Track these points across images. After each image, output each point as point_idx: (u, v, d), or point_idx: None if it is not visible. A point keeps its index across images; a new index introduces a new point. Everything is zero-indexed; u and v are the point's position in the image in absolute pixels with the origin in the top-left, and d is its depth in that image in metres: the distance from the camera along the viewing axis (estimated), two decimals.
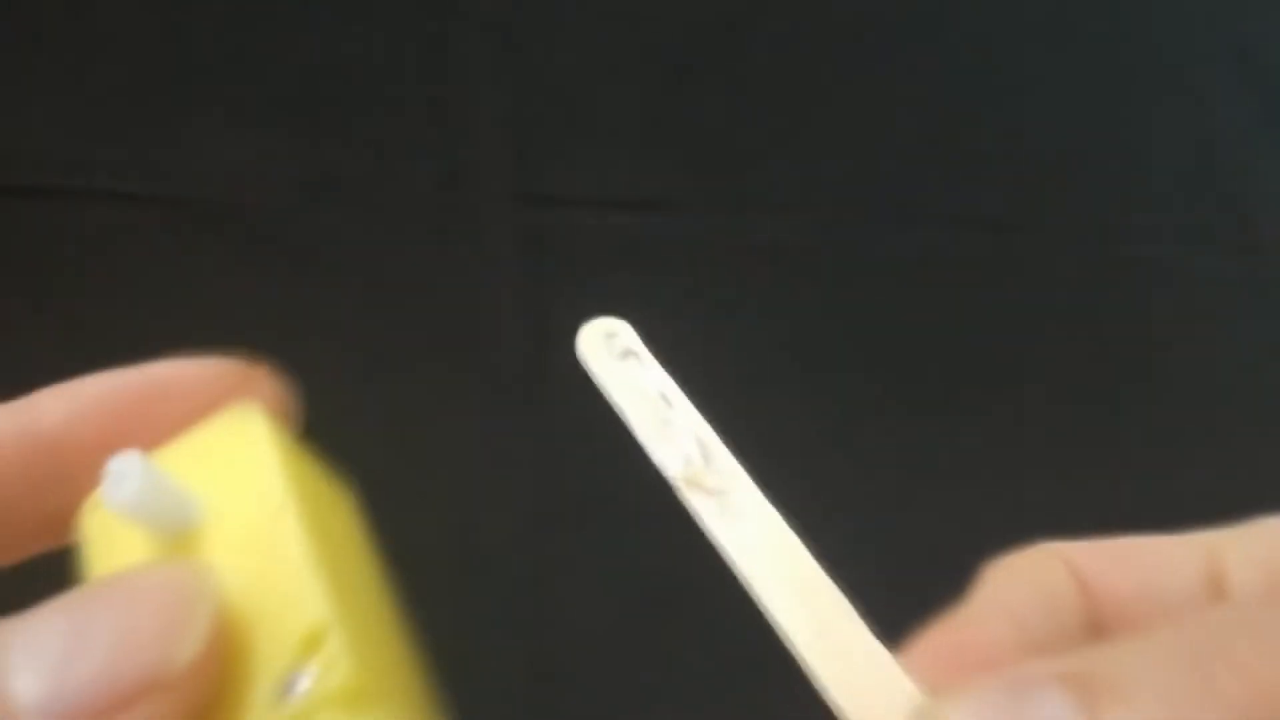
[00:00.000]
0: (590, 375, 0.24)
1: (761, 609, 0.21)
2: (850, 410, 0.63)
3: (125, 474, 0.16)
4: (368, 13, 0.69)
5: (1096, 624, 0.22)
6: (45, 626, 0.15)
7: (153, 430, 0.19)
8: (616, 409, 0.24)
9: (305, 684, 0.15)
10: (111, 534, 0.17)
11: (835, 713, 0.20)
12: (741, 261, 0.67)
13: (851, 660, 0.20)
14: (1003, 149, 0.73)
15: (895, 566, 0.46)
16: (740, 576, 0.21)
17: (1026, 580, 0.22)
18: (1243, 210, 0.74)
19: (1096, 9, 0.79)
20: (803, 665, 0.20)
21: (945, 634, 0.21)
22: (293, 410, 0.20)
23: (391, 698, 0.16)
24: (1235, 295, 0.71)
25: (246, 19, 0.68)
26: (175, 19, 0.67)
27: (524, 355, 0.62)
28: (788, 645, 0.20)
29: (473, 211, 0.65)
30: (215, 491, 0.17)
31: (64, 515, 0.18)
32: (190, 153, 0.64)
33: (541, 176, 0.67)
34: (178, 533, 0.17)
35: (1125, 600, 0.22)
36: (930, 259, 0.69)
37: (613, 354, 0.25)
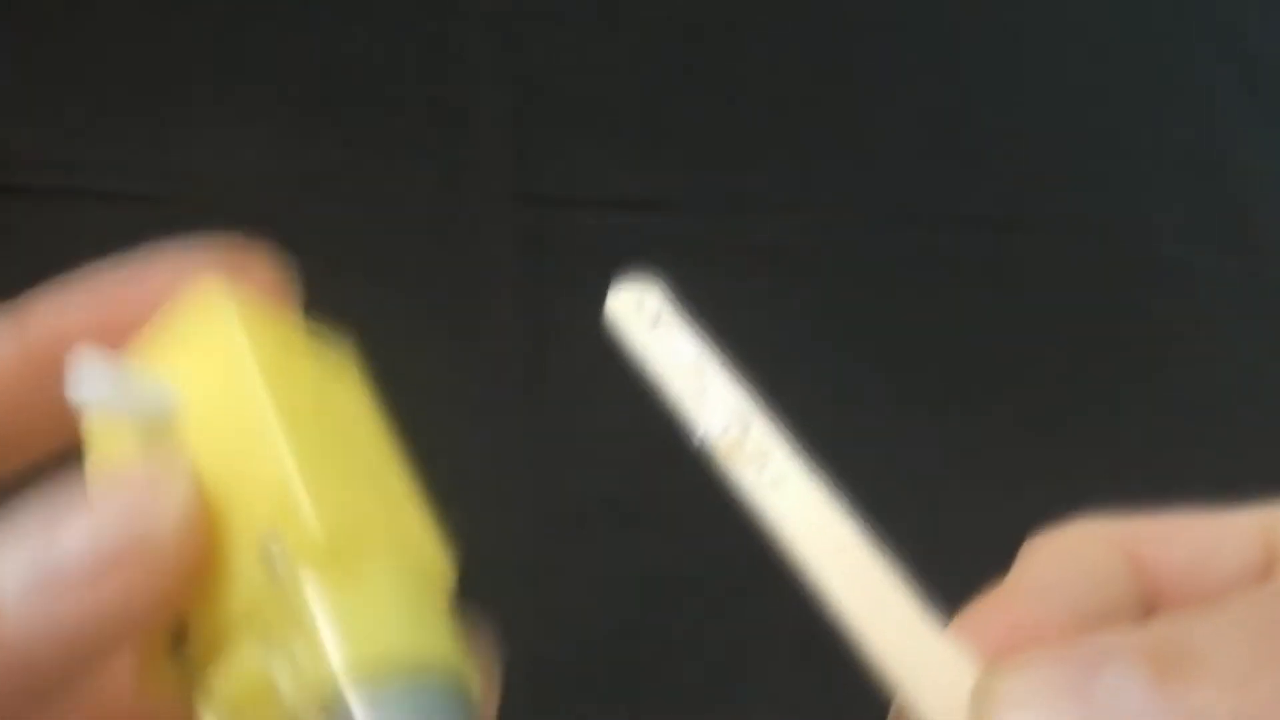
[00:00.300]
0: (621, 343, 0.23)
1: (806, 579, 0.20)
2: (850, 410, 0.63)
3: (84, 374, 0.17)
4: (368, 13, 0.69)
5: (1148, 601, 0.21)
6: (23, 515, 0.15)
7: (146, 320, 0.19)
8: (651, 377, 0.23)
9: (285, 552, 0.15)
10: (105, 426, 0.18)
11: (890, 684, 0.19)
12: (741, 261, 0.67)
13: (903, 631, 0.19)
14: (1003, 149, 0.73)
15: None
16: (783, 546, 0.20)
17: (1074, 556, 0.21)
18: (1243, 210, 0.74)
19: (1097, 9, 0.79)
20: (851, 636, 0.19)
21: (993, 610, 0.20)
22: (289, 287, 0.20)
23: (374, 553, 0.16)
24: (1235, 295, 0.71)
25: (246, 19, 0.68)
26: (174, 18, 0.67)
27: (524, 355, 0.62)
28: (835, 615, 0.20)
29: (473, 211, 0.65)
30: (190, 375, 0.18)
31: (64, 413, 0.18)
32: (189, 152, 0.63)
33: (541, 176, 0.67)
34: (158, 419, 0.17)
35: (1178, 576, 0.21)
36: (930, 259, 0.69)
37: (645, 321, 0.24)
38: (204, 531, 0.16)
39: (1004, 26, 0.77)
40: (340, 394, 0.19)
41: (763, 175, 0.70)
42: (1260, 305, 0.71)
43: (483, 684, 0.17)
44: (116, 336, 0.19)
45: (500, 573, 0.57)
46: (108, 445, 0.18)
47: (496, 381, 0.60)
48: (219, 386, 0.17)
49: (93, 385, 0.17)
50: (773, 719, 0.58)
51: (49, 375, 0.19)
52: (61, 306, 0.19)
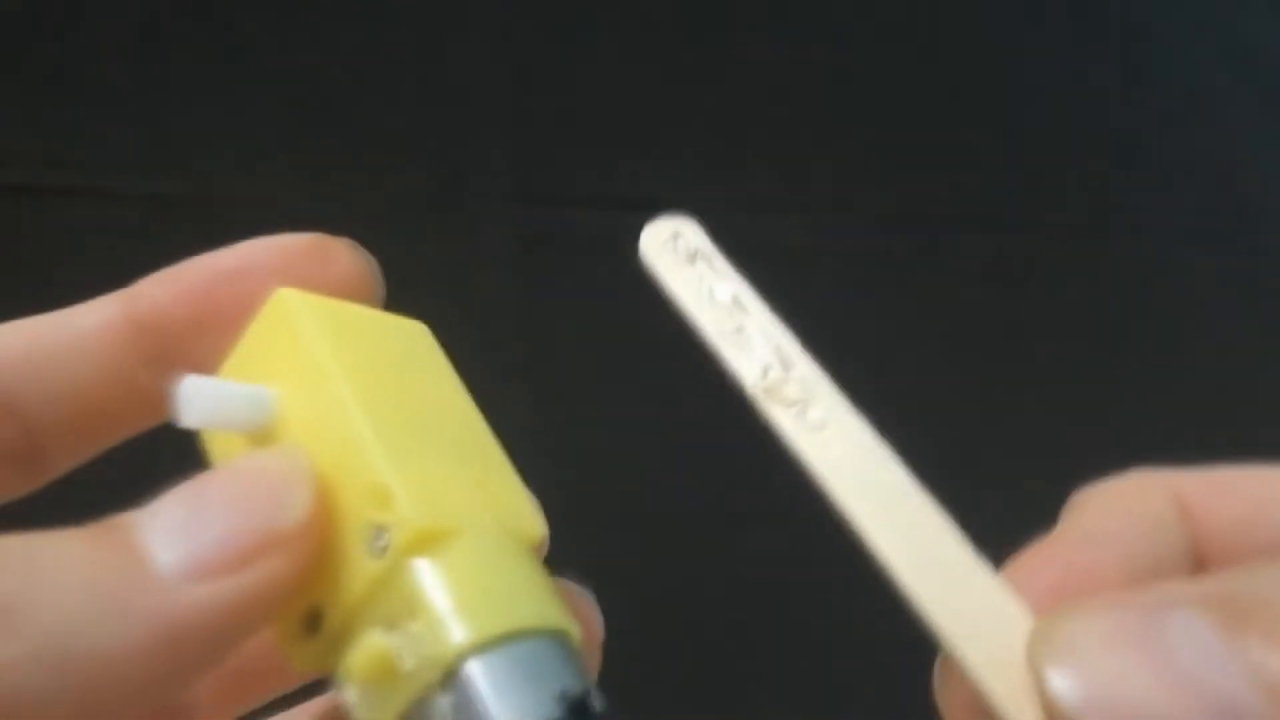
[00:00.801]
0: (655, 280, 0.22)
1: (850, 526, 0.19)
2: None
3: (190, 398, 0.18)
4: (368, 13, 0.69)
5: (1196, 554, 0.21)
6: (169, 509, 0.17)
7: (246, 303, 0.20)
8: (685, 316, 0.22)
9: (384, 538, 0.17)
10: (213, 437, 0.20)
11: (935, 633, 0.18)
12: (741, 262, 0.67)
13: (952, 579, 0.18)
14: (1003, 149, 0.73)
15: None
16: (826, 491, 0.19)
17: (1126, 506, 0.21)
18: (1243, 210, 0.74)
19: (1097, 9, 0.79)
20: (897, 584, 0.19)
21: (1044, 557, 0.20)
22: (370, 277, 0.22)
23: (469, 525, 0.18)
24: (1235, 295, 0.71)
25: (246, 19, 0.67)
26: (174, 18, 0.67)
27: (524, 355, 0.62)
28: (880, 563, 0.19)
29: (473, 211, 0.65)
30: (281, 380, 0.19)
31: (162, 396, 0.20)
32: (187, 151, 0.63)
33: (541, 176, 0.67)
34: (260, 424, 0.19)
35: (1228, 530, 0.21)
36: (931, 259, 0.69)
37: (679, 256, 0.22)
38: (323, 523, 0.18)
39: (1005, 26, 0.77)
40: (420, 373, 0.21)
41: (763, 175, 0.70)
42: (1262, 305, 0.71)
43: (585, 636, 0.19)
44: (212, 317, 0.21)
45: None
46: (224, 449, 0.20)
47: (496, 381, 0.60)
48: (305, 387, 0.19)
49: (196, 409, 0.18)
50: (783, 717, 0.58)
51: (153, 348, 0.21)
52: (165, 287, 0.21)
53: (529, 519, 0.20)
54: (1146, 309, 0.70)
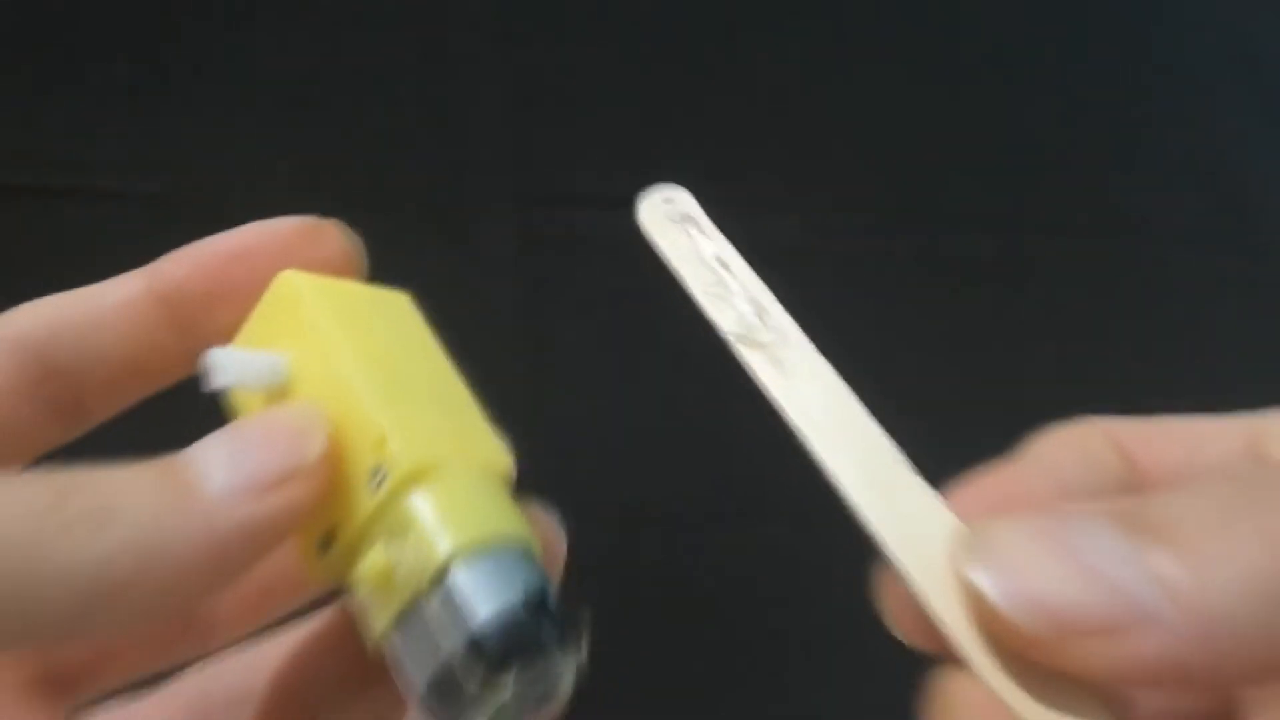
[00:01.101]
0: (649, 242, 0.25)
1: (812, 457, 0.22)
2: None
3: (217, 366, 0.23)
4: (367, 13, 0.69)
5: (1136, 491, 0.22)
6: (216, 445, 0.21)
7: (252, 277, 0.24)
8: (673, 272, 0.25)
9: (386, 475, 0.22)
10: (238, 396, 0.24)
11: (879, 548, 0.21)
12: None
13: (896, 499, 0.21)
14: (1003, 149, 0.73)
15: None
16: (792, 427, 0.22)
17: (1069, 445, 0.23)
18: (1243, 210, 0.74)
19: (1097, 9, 0.79)
20: (850, 506, 0.21)
21: (987, 481, 0.22)
22: (356, 253, 0.27)
23: (453, 461, 0.22)
24: (1235, 295, 0.71)
25: (246, 18, 0.67)
26: (174, 18, 0.67)
27: (524, 356, 0.62)
28: (836, 488, 0.22)
29: (473, 211, 0.65)
30: (290, 347, 0.23)
31: (182, 357, 0.25)
32: (187, 151, 0.64)
33: (541, 176, 0.67)
34: (276, 385, 0.23)
35: (1168, 473, 0.23)
36: (931, 259, 0.69)
37: (671, 219, 0.26)
38: (334, 462, 0.22)
39: (1005, 26, 0.77)
40: (405, 336, 0.25)
41: (763, 175, 0.70)
42: (1260, 305, 0.71)
43: (547, 548, 0.24)
44: (225, 291, 0.25)
45: None
46: (245, 406, 0.24)
47: (496, 380, 0.60)
48: (312, 355, 0.23)
49: (224, 373, 0.23)
50: (781, 717, 0.58)
51: (174, 317, 0.25)
52: (183, 265, 0.25)
53: (499, 455, 0.24)
54: (1146, 309, 0.70)
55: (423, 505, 0.22)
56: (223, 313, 0.25)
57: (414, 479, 0.22)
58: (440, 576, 0.21)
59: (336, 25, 0.69)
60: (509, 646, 0.21)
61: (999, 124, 0.74)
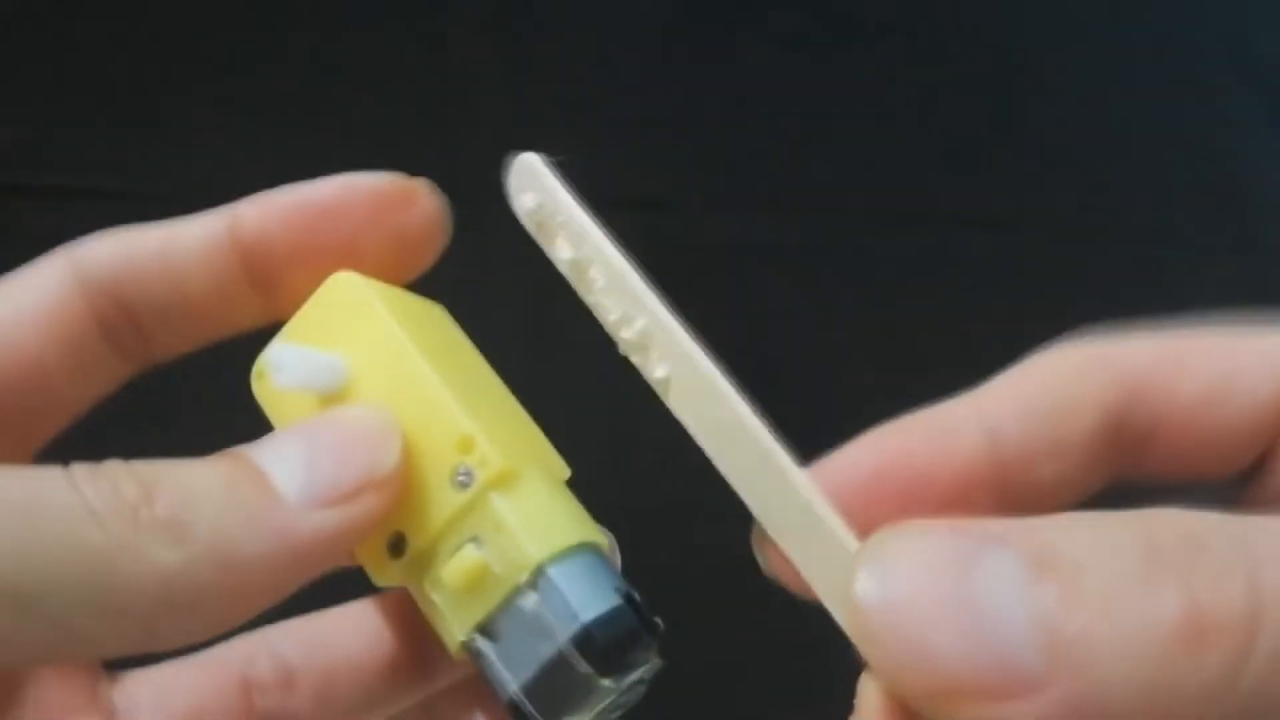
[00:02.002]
0: (517, 217, 0.25)
1: (699, 446, 0.22)
2: (850, 410, 0.63)
3: (280, 365, 0.22)
4: (368, 12, 0.69)
5: (1150, 433, 0.21)
6: (289, 441, 0.21)
7: (337, 238, 0.24)
8: (544, 250, 0.25)
9: (475, 476, 0.21)
10: (282, 395, 0.23)
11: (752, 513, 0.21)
12: (741, 261, 0.67)
13: (768, 476, 0.21)
14: (1003, 149, 0.73)
15: None
16: (679, 419, 0.22)
17: (1044, 381, 0.22)
18: (1243, 210, 0.74)
19: (1097, 9, 0.79)
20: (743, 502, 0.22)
21: (906, 447, 0.21)
22: (443, 219, 0.26)
23: (528, 466, 0.22)
24: (1235, 295, 0.71)
25: (245, 18, 0.68)
26: (172, 17, 0.67)
27: (523, 357, 0.62)
28: (721, 474, 0.22)
29: (473, 211, 0.65)
30: (347, 348, 0.23)
31: (255, 309, 0.24)
32: (189, 152, 0.64)
33: None
34: (335, 387, 0.22)
35: (1191, 410, 0.21)
36: (931, 259, 0.69)
37: (538, 220, 0.25)
38: (406, 464, 0.21)
39: (1005, 26, 0.77)
40: (454, 342, 0.25)
41: (763, 175, 0.70)
42: (1260, 305, 0.71)
43: (610, 552, 0.23)
44: (308, 250, 0.23)
45: None
46: (295, 406, 0.23)
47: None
48: (377, 355, 0.22)
49: (288, 373, 0.22)
50: (779, 715, 0.58)
51: (251, 267, 0.24)
52: (268, 214, 0.24)
53: (557, 461, 0.24)
54: (1146, 309, 0.70)
55: (512, 506, 0.21)
56: (302, 272, 0.24)
57: (502, 481, 0.21)
58: (537, 575, 0.21)
59: (337, 25, 0.69)
60: (617, 642, 0.21)
61: (999, 124, 0.74)
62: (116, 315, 0.24)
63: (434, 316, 0.26)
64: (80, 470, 0.19)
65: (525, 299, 0.63)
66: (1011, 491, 0.21)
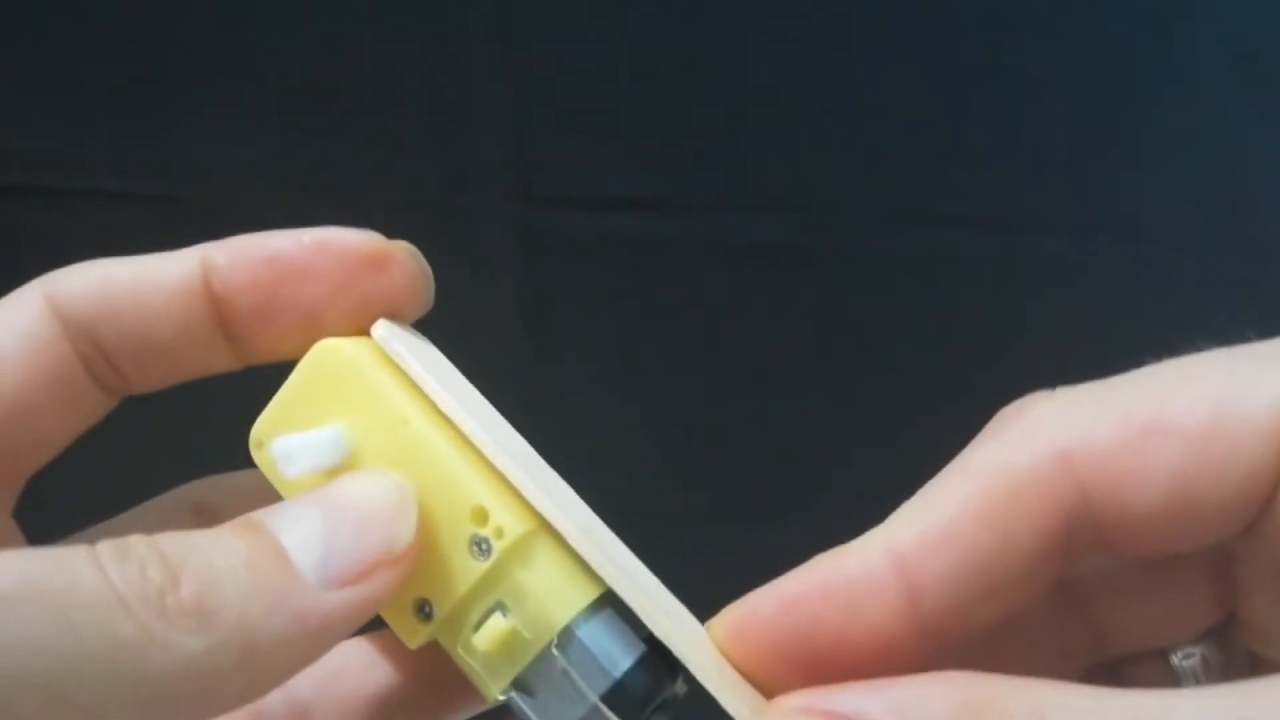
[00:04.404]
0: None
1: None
2: (850, 410, 0.63)
3: (287, 456, 0.22)
4: (368, 13, 0.69)
5: (1078, 540, 0.20)
6: (306, 516, 0.21)
7: (306, 300, 0.23)
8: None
9: (493, 546, 0.22)
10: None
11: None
12: (741, 261, 0.67)
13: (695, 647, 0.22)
14: (1003, 149, 0.73)
15: None
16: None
17: (977, 514, 0.20)
18: (1243, 210, 0.74)
19: (1097, 9, 0.79)
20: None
21: (814, 615, 0.21)
22: (424, 286, 0.25)
23: (544, 528, 0.22)
24: (1235, 295, 0.71)
25: (245, 18, 0.67)
26: (172, 17, 0.67)
27: (523, 357, 0.62)
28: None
29: (473, 211, 0.65)
30: (344, 417, 0.23)
31: (226, 356, 0.24)
32: (187, 151, 0.63)
33: (541, 176, 0.67)
34: (339, 460, 0.22)
35: (1157, 498, 0.20)
36: (930, 259, 0.69)
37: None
38: (422, 531, 0.22)
39: (1004, 26, 0.77)
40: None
41: (763, 175, 0.70)
42: (1263, 306, 0.71)
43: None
44: (272, 312, 0.23)
45: None
46: (302, 480, 0.23)
47: (496, 381, 0.59)
48: (376, 423, 0.22)
49: (296, 462, 0.22)
50: None
51: (221, 319, 0.24)
52: (239, 267, 0.24)
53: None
54: (1145, 309, 0.70)
55: (533, 573, 0.22)
56: (270, 328, 0.24)
57: (519, 549, 0.22)
58: (566, 635, 0.22)
59: (337, 25, 0.69)
60: (646, 691, 0.22)
61: (998, 124, 0.74)
62: (93, 353, 0.24)
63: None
64: (106, 551, 0.19)
65: (523, 296, 0.63)
66: (940, 635, 0.20)
